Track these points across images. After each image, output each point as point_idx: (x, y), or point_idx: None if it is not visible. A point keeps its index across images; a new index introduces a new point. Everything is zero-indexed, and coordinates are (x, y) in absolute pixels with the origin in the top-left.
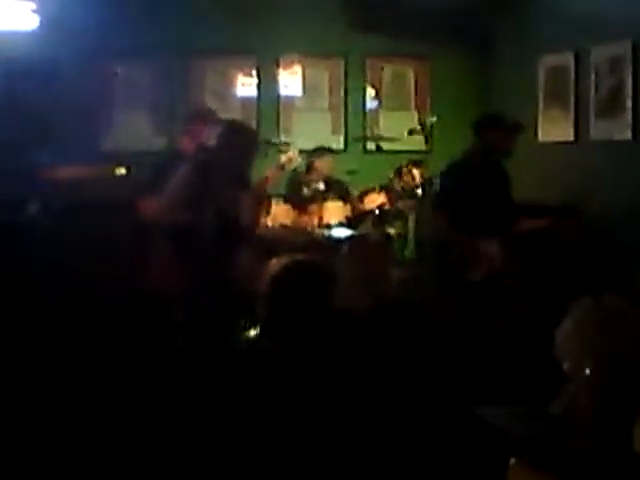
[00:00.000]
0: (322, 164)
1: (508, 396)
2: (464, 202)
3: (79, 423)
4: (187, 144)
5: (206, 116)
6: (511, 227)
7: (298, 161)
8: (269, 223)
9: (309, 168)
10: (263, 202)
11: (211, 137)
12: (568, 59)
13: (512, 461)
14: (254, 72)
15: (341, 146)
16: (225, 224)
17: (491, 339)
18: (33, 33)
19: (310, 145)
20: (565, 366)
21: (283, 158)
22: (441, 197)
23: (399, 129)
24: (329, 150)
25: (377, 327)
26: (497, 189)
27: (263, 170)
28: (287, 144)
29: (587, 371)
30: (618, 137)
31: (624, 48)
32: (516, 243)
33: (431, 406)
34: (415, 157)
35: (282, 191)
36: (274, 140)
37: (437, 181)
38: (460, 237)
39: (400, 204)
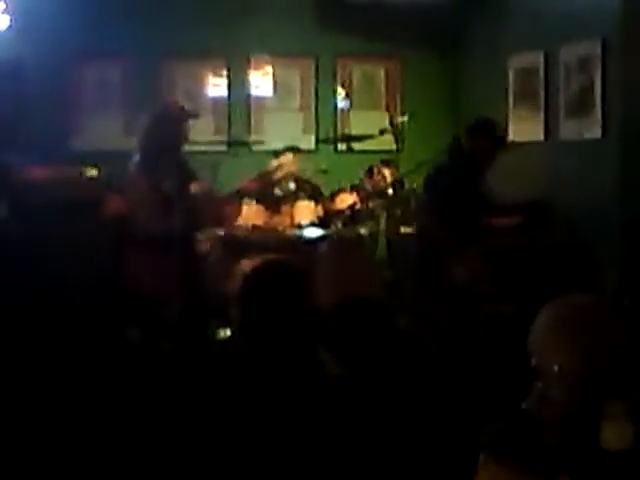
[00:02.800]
0: (290, 164)
1: (483, 395)
2: (451, 205)
3: (60, 424)
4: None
5: (176, 112)
6: (491, 232)
7: (291, 167)
8: (240, 223)
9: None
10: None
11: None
12: (537, 58)
13: (482, 457)
14: (225, 72)
15: (312, 146)
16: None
17: (465, 340)
18: (3, 33)
19: (281, 145)
20: (535, 362)
21: (275, 163)
22: (429, 199)
23: (370, 129)
24: (297, 150)
25: (352, 325)
26: (479, 195)
27: (235, 170)
28: (260, 142)
29: (556, 367)
30: (588, 136)
31: (593, 47)
32: (492, 245)
33: (404, 406)
34: (386, 157)
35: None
36: (245, 139)
37: (410, 182)
38: (443, 239)
39: (371, 204)
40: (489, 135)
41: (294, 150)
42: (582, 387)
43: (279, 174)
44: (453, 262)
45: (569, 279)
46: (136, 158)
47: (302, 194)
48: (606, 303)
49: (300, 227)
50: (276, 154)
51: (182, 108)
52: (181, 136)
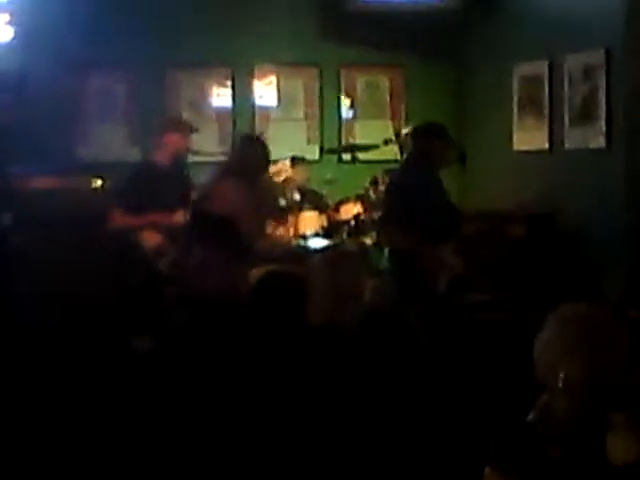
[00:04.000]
0: (296, 174)
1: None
2: (410, 213)
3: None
4: (160, 155)
5: (178, 126)
6: (459, 230)
7: (288, 172)
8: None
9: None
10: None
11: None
12: (542, 67)
13: (487, 469)
14: (229, 83)
15: (316, 156)
16: None
17: (462, 349)
18: (8, 44)
19: (285, 155)
20: (540, 374)
21: (273, 169)
22: (387, 211)
23: (374, 138)
24: (302, 160)
25: (352, 337)
26: (437, 196)
27: None
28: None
29: (561, 376)
30: (592, 145)
31: (598, 56)
32: (493, 252)
33: (407, 417)
34: (390, 167)
35: None
36: None
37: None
38: (414, 246)
39: (375, 214)
40: (442, 138)
41: (298, 160)
42: (587, 398)
43: (277, 179)
44: (435, 269)
45: (572, 288)
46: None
47: (306, 204)
48: (612, 313)
49: (304, 237)
50: (274, 162)
51: (184, 121)
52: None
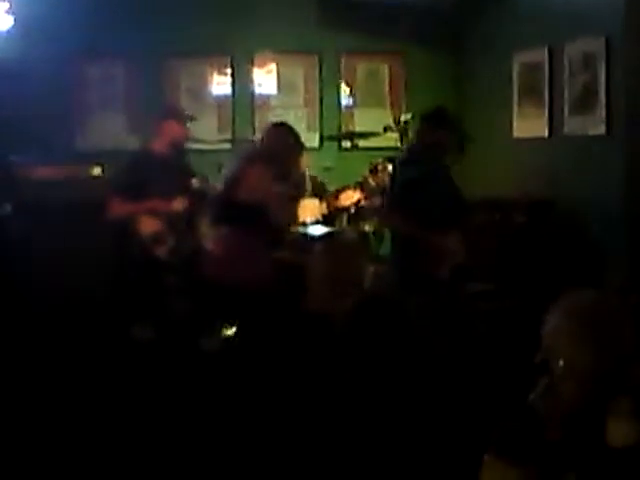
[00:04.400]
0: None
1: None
2: (416, 200)
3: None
4: (158, 143)
5: (176, 115)
6: (465, 219)
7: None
8: None
9: None
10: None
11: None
12: (542, 55)
13: (487, 454)
14: (229, 71)
15: (316, 143)
16: None
17: (463, 337)
18: (7, 33)
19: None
20: (544, 358)
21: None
22: (392, 197)
23: (374, 126)
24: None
25: (353, 325)
26: (443, 185)
27: None
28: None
29: (561, 363)
30: (592, 132)
31: (598, 43)
32: (494, 240)
33: (408, 406)
34: (390, 154)
35: None
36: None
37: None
38: (418, 234)
39: (376, 201)
40: (449, 125)
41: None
42: (591, 384)
43: None
44: (435, 254)
45: (574, 275)
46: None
47: (306, 191)
48: (618, 300)
49: (304, 224)
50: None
51: (182, 109)
52: None
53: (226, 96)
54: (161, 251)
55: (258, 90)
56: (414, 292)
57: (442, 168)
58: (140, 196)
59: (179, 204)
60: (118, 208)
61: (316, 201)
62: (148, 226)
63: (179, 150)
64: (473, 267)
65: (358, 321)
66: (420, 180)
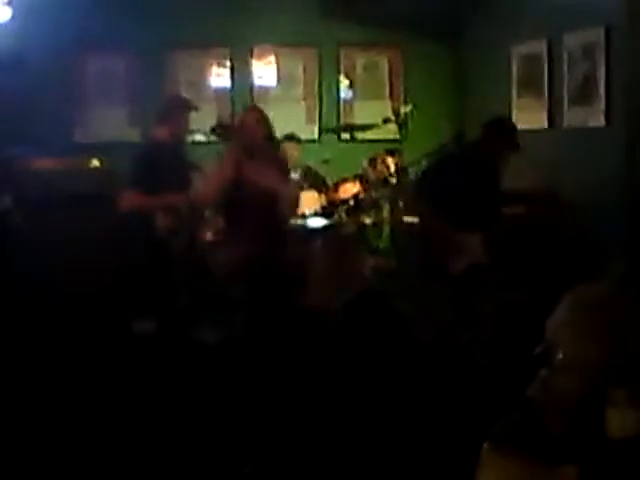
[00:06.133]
0: (290, 152)
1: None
2: (452, 193)
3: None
4: (163, 134)
5: (182, 105)
6: (495, 222)
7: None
8: None
9: None
10: None
11: (186, 126)
12: (541, 46)
13: (485, 446)
14: (228, 63)
15: (315, 136)
16: None
17: (473, 329)
18: (5, 25)
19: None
20: (546, 350)
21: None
22: (428, 185)
23: (373, 118)
24: (296, 138)
25: (351, 318)
26: (488, 186)
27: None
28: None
29: (569, 356)
30: (592, 124)
31: (597, 35)
32: (497, 234)
33: (408, 396)
34: (389, 146)
35: None
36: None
37: (415, 169)
38: (442, 225)
39: (375, 193)
40: (507, 137)
41: (293, 139)
42: (592, 376)
43: None
44: (454, 250)
45: (575, 267)
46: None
47: (305, 184)
48: (627, 294)
49: (303, 217)
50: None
51: (187, 100)
52: None
53: (225, 88)
54: (174, 244)
55: (257, 82)
56: (427, 281)
57: (494, 173)
58: (152, 188)
59: (190, 196)
60: (132, 201)
61: (315, 193)
62: (161, 219)
63: (183, 142)
64: (489, 267)
65: (354, 314)
66: (460, 178)
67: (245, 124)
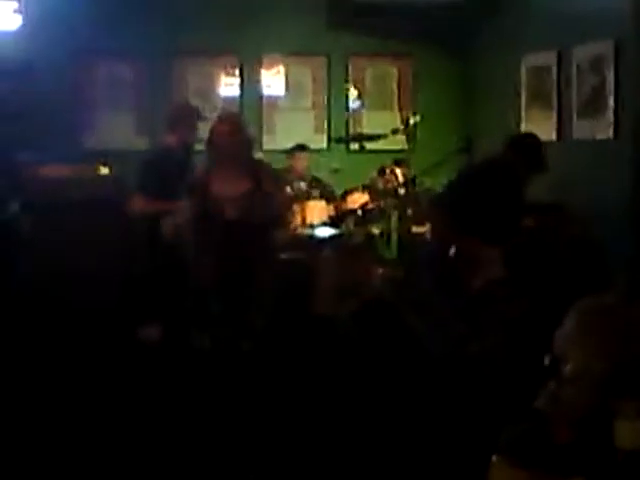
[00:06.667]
0: (299, 162)
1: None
2: (474, 207)
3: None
4: (173, 141)
5: (191, 114)
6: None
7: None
8: None
9: (288, 167)
10: None
11: (195, 133)
12: (550, 58)
13: (494, 457)
14: (237, 72)
15: (324, 145)
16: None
17: (482, 341)
18: (16, 32)
19: (291, 144)
20: (555, 362)
21: (287, 163)
22: (449, 198)
23: (382, 128)
24: (305, 148)
25: (359, 328)
26: (511, 203)
27: None
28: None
29: (578, 368)
30: (600, 136)
31: (606, 47)
32: (512, 247)
33: (416, 406)
34: (398, 156)
35: None
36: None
37: (423, 182)
38: (462, 239)
39: (383, 203)
40: (535, 157)
41: (303, 148)
42: (600, 388)
43: (291, 175)
44: (474, 264)
45: (582, 279)
46: None
47: (314, 193)
48: (634, 307)
49: (311, 226)
50: (289, 153)
51: (196, 109)
52: None
53: (234, 97)
54: (180, 252)
55: (266, 92)
56: (444, 295)
57: (509, 190)
58: (159, 194)
59: None
60: (138, 204)
61: (323, 203)
62: (169, 227)
63: (190, 149)
64: (507, 283)
65: (361, 324)
66: (479, 194)
67: (216, 135)
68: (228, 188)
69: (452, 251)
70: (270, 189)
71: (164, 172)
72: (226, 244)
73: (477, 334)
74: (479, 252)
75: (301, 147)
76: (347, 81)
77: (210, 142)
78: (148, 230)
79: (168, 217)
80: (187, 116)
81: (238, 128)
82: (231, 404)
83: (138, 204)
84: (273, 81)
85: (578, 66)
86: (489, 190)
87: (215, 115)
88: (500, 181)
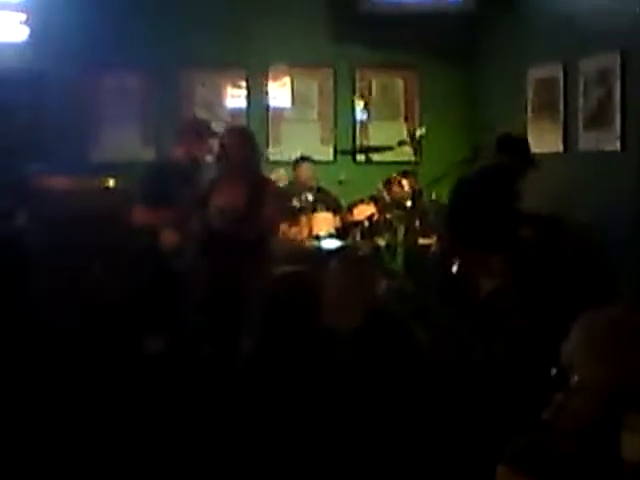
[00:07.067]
0: (304, 174)
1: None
2: (472, 216)
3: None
4: (181, 153)
5: (200, 127)
6: (515, 243)
7: (309, 177)
8: None
9: (293, 179)
10: None
11: (204, 147)
12: (557, 70)
13: (500, 468)
14: (243, 83)
15: (330, 157)
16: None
17: (487, 353)
18: (23, 44)
19: (296, 156)
20: (562, 373)
21: (293, 174)
22: (451, 211)
23: (389, 140)
24: (309, 159)
25: (365, 341)
26: (505, 206)
27: None
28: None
29: (575, 378)
30: (607, 148)
31: (613, 59)
32: (517, 257)
33: (422, 417)
34: (404, 168)
35: None
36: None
37: (429, 194)
38: (466, 252)
39: (389, 215)
40: (521, 153)
41: (306, 160)
42: (607, 400)
43: (297, 187)
44: (479, 275)
45: (589, 290)
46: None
47: (320, 205)
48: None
49: (318, 238)
50: (294, 164)
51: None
52: None
53: (240, 109)
54: (179, 263)
55: (272, 103)
56: (446, 305)
57: (511, 193)
58: (162, 205)
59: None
60: (140, 216)
61: (330, 215)
62: (167, 239)
63: (199, 163)
64: (510, 293)
65: (366, 336)
66: (474, 199)
67: (227, 146)
68: (227, 200)
69: (454, 267)
70: (270, 210)
71: (166, 183)
72: (215, 257)
73: (482, 342)
74: (481, 265)
75: (305, 159)
76: (354, 93)
77: (220, 153)
78: (148, 240)
79: (168, 228)
80: (196, 130)
81: (248, 140)
82: (230, 415)
83: (139, 214)
84: (279, 93)
85: (584, 78)
86: (484, 194)
87: (223, 128)
88: (495, 184)
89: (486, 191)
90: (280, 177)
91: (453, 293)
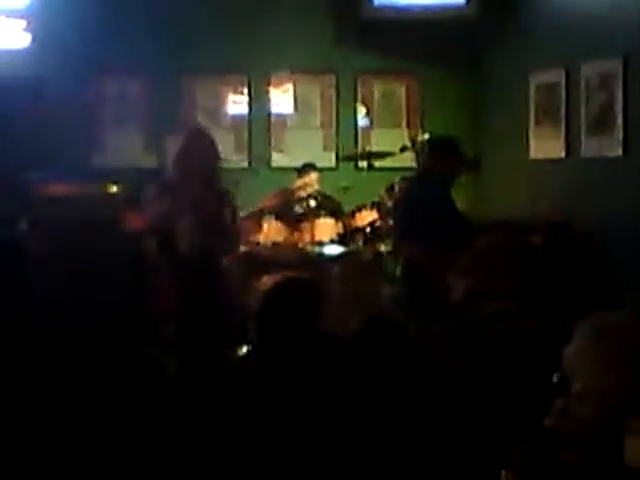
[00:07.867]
0: (308, 180)
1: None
2: (421, 224)
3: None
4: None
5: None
6: (467, 244)
7: (315, 187)
8: (261, 240)
9: (298, 185)
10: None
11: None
12: (559, 75)
13: (503, 474)
14: (245, 90)
15: (333, 163)
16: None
17: (480, 358)
18: (24, 51)
19: (301, 163)
20: (564, 379)
21: (299, 182)
22: (395, 224)
23: (391, 146)
24: (314, 167)
25: (366, 346)
26: (446, 209)
27: (256, 187)
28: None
29: (587, 386)
30: (609, 153)
31: (615, 64)
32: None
33: (418, 426)
34: (406, 174)
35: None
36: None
37: None
38: (427, 259)
39: (391, 221)
40: (452, 154)
41: (311, 167)
42: (610, 405)
43: (302, 193)
44: (442, 279)
45: (591, 297)
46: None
47: (322, 211)
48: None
49: (320, 244)
50: (299, 172)
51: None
52: None
53: (242, 115)
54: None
55: (274, 110)
56: (426, 316)
57: (444, 192)
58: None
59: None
60: (135, 222)
61: (332, 221)
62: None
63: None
64: (488, 290)
65: (364, 342)
66: (424, 203)
67: (188, 143)
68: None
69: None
70: (226, 221)
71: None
72: (180, 267)
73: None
74: (449, 267)
75: (310, 166)
76: (356, 99)
77: (181, 151)
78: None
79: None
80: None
81: (210, 140)
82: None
83: (131, 221)
84: (281, 99)
85: (587, 83)
86: (421, 200)
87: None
88: (429, 188)
89: (424, 194)
90: (311, 181)
91: (428, 303)
